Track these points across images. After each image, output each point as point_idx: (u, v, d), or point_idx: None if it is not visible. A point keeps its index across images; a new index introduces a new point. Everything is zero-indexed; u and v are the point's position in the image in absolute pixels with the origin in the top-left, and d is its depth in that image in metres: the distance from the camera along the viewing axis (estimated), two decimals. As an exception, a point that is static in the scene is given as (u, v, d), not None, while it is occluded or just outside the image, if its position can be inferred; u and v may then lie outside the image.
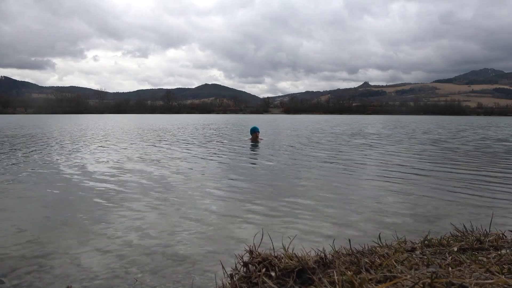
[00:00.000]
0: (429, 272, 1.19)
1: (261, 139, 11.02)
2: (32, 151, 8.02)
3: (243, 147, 9.18)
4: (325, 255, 1.42)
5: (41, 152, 7.71)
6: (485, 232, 1.89)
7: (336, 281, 1.18)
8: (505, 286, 1.08)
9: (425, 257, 1.48)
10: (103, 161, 6.37)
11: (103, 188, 4.15)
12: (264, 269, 1.33)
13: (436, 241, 1.74)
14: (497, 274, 1.20)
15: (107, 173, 5.12)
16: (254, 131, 10.81)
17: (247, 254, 1.47)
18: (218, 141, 10.98)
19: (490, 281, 1.11)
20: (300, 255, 1.41)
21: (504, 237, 1.81)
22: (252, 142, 10.49)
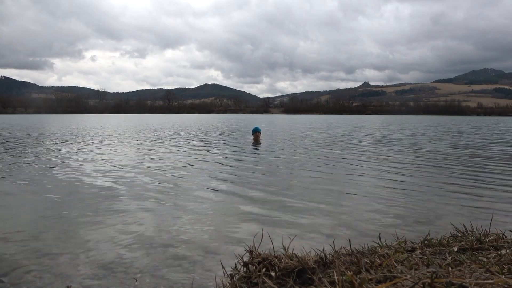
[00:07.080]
0: (429, 272, 1.19)
1: (262, 139, 11.04)
2: (31, 151, 8.02)
3: (244, 147, 9.18)
4: (325, 255, 1.42)
5: (39, 152, 7.71)
6: (485, 232, 1.89)
7: (336, 281, 1.18)
8: (505, 286, 1.08)
9: (425, 257, 1.48)
10: (101, 162, 6.37)
11: (102, 189, 4.15)
12: (264, 269, 1.33)
13: (436, 241, 1.74)
14: (497, 274, 1.19)
15: (106, 174, 5.12)
16: (255, 132, 10.85)
17: (247, 254, 1.47)
18: (219, 141, 10.98)
19: (490, 281, 1.11)
20: (300, 255, 1.41)
21: (504, 237, 1.81)
22: (253, 142, 10.51)
